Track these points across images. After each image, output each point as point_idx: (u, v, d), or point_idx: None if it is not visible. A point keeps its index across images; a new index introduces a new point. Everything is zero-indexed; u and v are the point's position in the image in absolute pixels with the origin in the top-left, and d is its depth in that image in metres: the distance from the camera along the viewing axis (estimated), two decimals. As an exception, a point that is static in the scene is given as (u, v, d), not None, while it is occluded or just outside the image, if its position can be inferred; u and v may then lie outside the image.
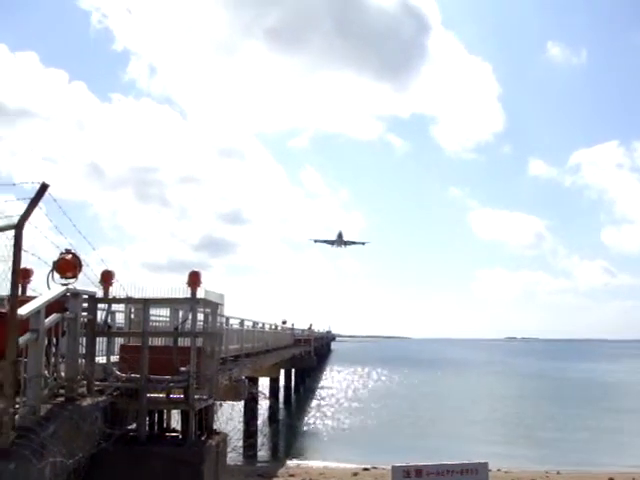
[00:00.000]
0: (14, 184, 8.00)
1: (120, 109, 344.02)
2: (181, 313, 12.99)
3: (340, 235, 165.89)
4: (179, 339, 12.00)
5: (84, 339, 10.45)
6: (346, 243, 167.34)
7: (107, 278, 11.94)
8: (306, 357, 58.13)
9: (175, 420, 12.60)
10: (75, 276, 10.21)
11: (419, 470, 13.08)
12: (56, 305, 9.43)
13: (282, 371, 49.89)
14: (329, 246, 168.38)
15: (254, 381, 29.53)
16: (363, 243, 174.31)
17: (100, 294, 11.56)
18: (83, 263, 10.48)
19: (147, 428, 11.57)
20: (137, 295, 11.85)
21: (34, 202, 7.77)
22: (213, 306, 12.58)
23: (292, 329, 56.75)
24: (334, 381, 79.11)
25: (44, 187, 7.76)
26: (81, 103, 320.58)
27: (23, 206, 7.95)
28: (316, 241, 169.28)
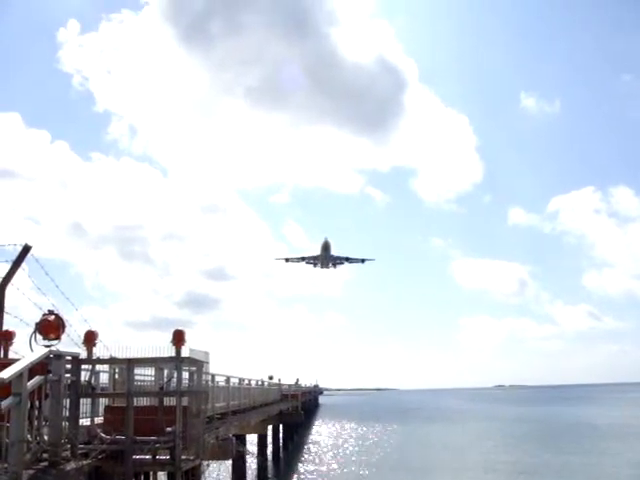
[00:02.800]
0: (-4, 247, 7.99)
1: (101, 168, 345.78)
2: (166, 372, 12.86)
3: (326, 247, 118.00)
4: (164, 398, 11.86)
5: (68, 401, 10.29)
6: (336, 261, 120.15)
7: (90, 338, 11.83)
8: (294, 412, 57.43)
9: (162, 482, 12.37)
10: (58, 337, 10.12)
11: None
12: (39, 367, 9.31)
13: (270, 427, 49.19)
14: (309, 266, 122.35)
15: (242, 439, 29.07)
16: (362, 260, 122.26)
17: (84, 355, 11.43)
18: (66, 323, 10.39)
19: (133, 491, 11.32)
20: (121, 355, 11.73)
21: (16, 264, 7.76)
22: (198, 364, 12.47)
23: (279, 384, 56.16)
24: (323, 436, 77.96)
25: (26, 249, 7.76)
26: (63, 163, 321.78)
27: (5, 267, 7.93)
28: (288, 260, 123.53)
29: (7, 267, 8.02)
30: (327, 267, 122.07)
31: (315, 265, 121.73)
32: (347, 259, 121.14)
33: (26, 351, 9.84)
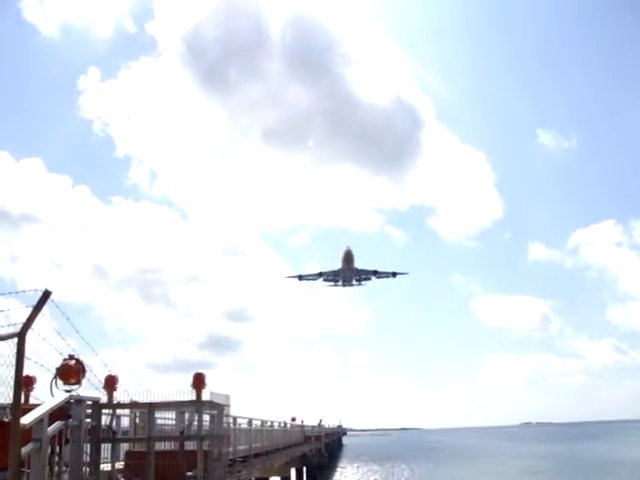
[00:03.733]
0: (17, 292, 8.07)
1: (121, 212, 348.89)
2: (187, 416, 12.79)
3: (349, 258, 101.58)
4: (185, 442, 11.77)
5: (88, 446, 10.24)
6: (360, 275, 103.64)
7: (111, 383, 11.82)
8: (317, 454, 56.69)
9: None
10: (79, 382, 10.11)
11: None
12: (59, 412, 9.30)
13: (293, 470, 48.50)
14: (330, 286, 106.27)
15: (264, 482, 28.68)
16: (394, 274, 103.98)
17: (104, 399, 11.41)
18: (87, 368, 10.39)
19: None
20: (142, 398, 11.69)
21: (37, 309, 7.80)
22: (219, 408, 12.40)
23: (302, 426, 55.55)
24: (347, 478, 76.76)
25: (47, 294, 7.80)
26: (85, 207, 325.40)
27: (26, 312, 7.97)
28: (302, 278, 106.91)
29: (28, 312, 8.06)
30: (350, 284, 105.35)
31: (336, 282, 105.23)
32: (375, 273, 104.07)
33: (47, 396, 9.84)
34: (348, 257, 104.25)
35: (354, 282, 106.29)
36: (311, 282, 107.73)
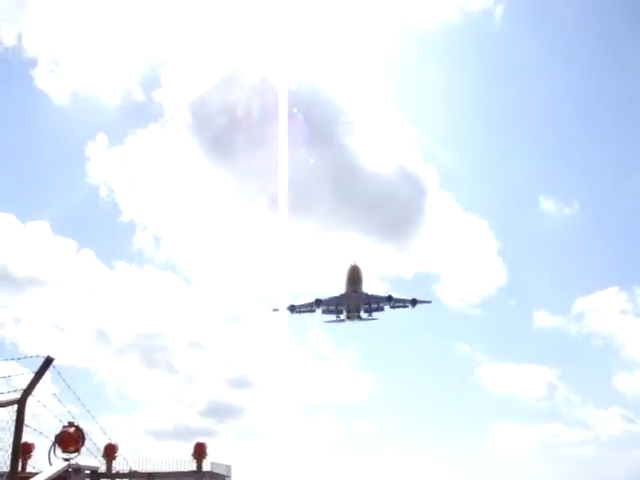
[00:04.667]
0: (19, 358, 8.02)
1: (125, 276, 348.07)
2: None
3: (354, 277, 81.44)
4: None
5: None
6: (371, 303, 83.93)
7: (110, 452, 11.66)
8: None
9: None
10: (77, 450, 9.98)
11: None
12: (57, 482, 9.11)
13: None
14: (331, 322, 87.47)
15: None
16: (413, 302, 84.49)
17: (103, 468, 11.21)
18: (86, 435, 10.24)
19: None
20: (142, 466, 11.51)
21: (38, 376, 7.73)
22: (220, 479, 12.16)
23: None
24: None
25: (49, 361, 7.75)
26: (89, 271, 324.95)
27: (27, 377, 7.90)
28: (294, 309, 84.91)
29: (29, 378, 7.99)
30: (357, 316, 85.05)
31: (338, 315, 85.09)
32: (389, 299, 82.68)
33: (45, 464, 9.68)
34: (354, 276, 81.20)
35: (362, 314, 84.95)
36: (306, 314, 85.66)
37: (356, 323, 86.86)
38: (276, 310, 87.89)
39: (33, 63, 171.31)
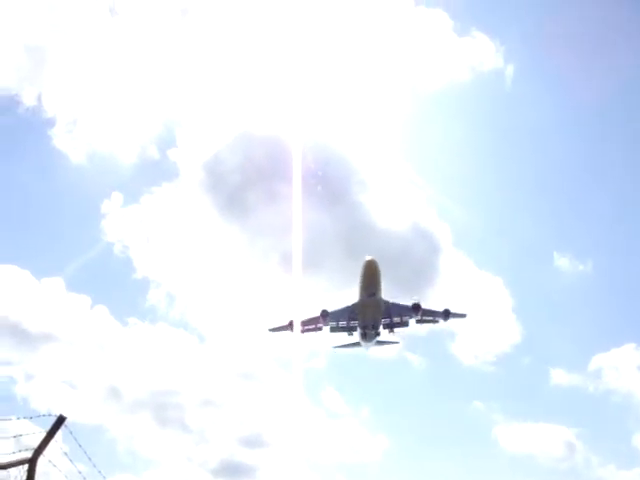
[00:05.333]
0: (31, 417, 8.07)
1: (138, 333, 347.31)
2: None
3: (373, 279, 67.80)
4: None
5: None
6: (392, 316, 70.09)
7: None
8: None
9: None
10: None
11: None
12: None
13: None
14: (341, 347, 76.98)
15: None
16: (446, 314, 71.53)
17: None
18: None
19: None
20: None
21: (50, 435, 7.77)
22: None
23: None
24: None
25: (61, 420, 7.80)
26: (102, 327, 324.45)
27: (39, 436, 7.93)
28: (290, 326, 73.03)
29: (41, 437, 8.03)
30: (376, 333, 70.93)
31: (350, 333, 71.60)
32: (416, 309, 68.28)
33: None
34: (371, 275, 66.69)
35: (381, 329, 70.84)
36: (310, 333, 72.91)
37: (373, 350, 75.68)
38: (274, 330, 73.97)
39: (52, 123, 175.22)
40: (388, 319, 71.89)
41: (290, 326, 73.72)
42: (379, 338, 75.78)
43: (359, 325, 72.34)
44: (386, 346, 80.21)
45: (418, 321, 72.37)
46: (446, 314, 72.07)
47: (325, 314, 71.32)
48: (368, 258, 68.27)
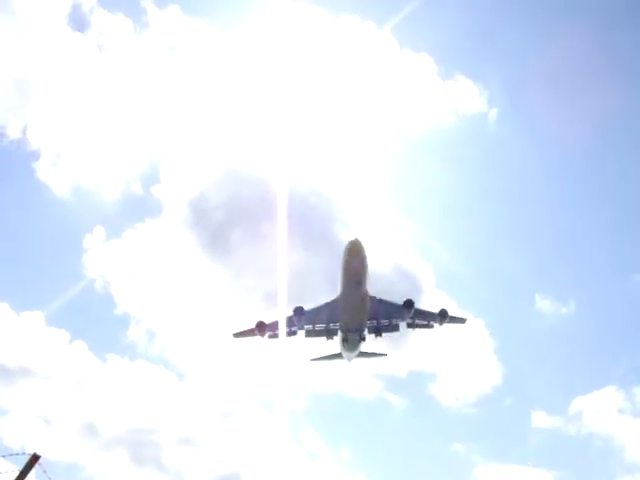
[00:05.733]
0: (4, 455, 7.95)
1: (116, 369, 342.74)
2: None
3: (356, 265, 58.68)
4: None
5: None
6: (379, 317, 61.73)
7: None
8: None
9: None
10: None
11: None
12: None
13: None
14: (321, 358, 70.10)
15: None
16: (442, 316, 62.74)
17: None
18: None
19: None
20: None
21: (23, 474, 7.63)
22: None
23: None
24: None
25: (35, 459, 7.67)
26: (80, 363, 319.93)
27: (12, 475, 7.81)
28: (263, 331, 63.77)
29: (14, 475, 7.91)
30: (359, 338, 60.52)
31: (331, 337, 61.30)
32: (408, 306, 59.31)
33: None
34: (355, 259, 55.48)
35: (365, 334, 60.82)
36: (287, 345, 62.89)
37: (354, 357, 64.12)
38: (239, 335, 63.39)
39: (36, 156, 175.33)
40: (375, 321, 61.16)
41: (259, 329, 61.82)
42: (363, 348, 64.82)
43: (340, 328, 60.55)
44: (372, 359, 72.71)
45: (410, 325, 62.25)
46: (442, 316, 61.05)
47: (300, 312, 59.51)
48: (353, 239, 56.01)
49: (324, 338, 63.54)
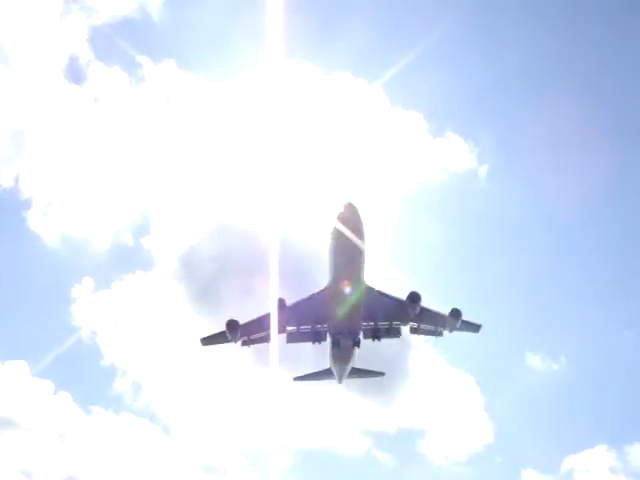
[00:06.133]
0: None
1: (101, 422, 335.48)
2: None
3: (349, 240, 46.29)
4: None
5: None
6: (378, 320, 51.82)
7: None
8: None
9: None
10: None
11: None
12: None
13: None
14: (305, 377, 63.05)
15: None
16: (455, 315, 49.68)
17: None
18: None
19: None
20: None
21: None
22: None
23: None
24: None
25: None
26: (64, 415, 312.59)
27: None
28: (235, 334, 51.20)
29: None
30: (354, 343, 51.57)
31: (318, 340, 51.64)
32: (413, 301, 48.56)
33: None
34: (351, 231, 44.55)
35: (361, 337, 50.94)
36: (258, 348, 52.83)
37: (350, 384, 55.27)
38: (208, 342, 52.10)
39: (28, 205, 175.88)
40: (371, 322, 49.89)
41: (230, 330, 49.60)
42: (355, 363, 54.68)
43: (330, 330, 49.77)
44: (367, 379, 63.98)
45: (414, 330, 51.50)
46: (454, 317, 48.87)
47: (282, 304, 48.04)
48: (346, 203, 44.43)
49: (310, 343, 51.92)
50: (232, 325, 50.40)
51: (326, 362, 57.66)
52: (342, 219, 45.04)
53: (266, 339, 50.96)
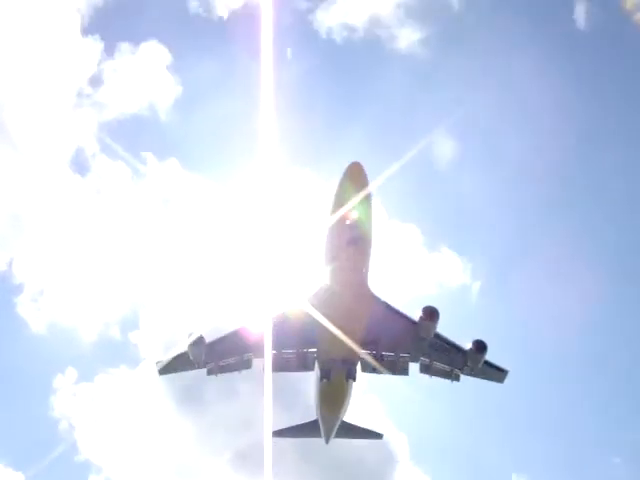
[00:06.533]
0: None
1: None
2: None
3: (353, 229, 33.28)
4: None
5: None
6: (382, 349, 37.32)
7: None
8: None
9: None
10: None
11: None
12: None
13: None
14: (287, 435, 46.75)
15: None
16: (479, 348, 35.59)
17: None
18: None
19: None
20: None
21: None
22: None
23: None
24: None
25: None
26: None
27: None
28: (200, 351, 37.73)
29: None
30: (349, 374, 38.53)
31: (303, 368, 39.38)
32: (429, 317, 35.30)
33: None
34: (354, 208, 32.89)
35: (358, 368, 39.25)
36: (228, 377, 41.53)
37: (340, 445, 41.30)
38: (167, 369, 40.16)
39: (19, 290, 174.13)
40: (373, 349, 37.54)
41: (194, 349, 37.60)
42: (348, 419, 43.58)
43: (318, 357, 38.25)
44: (361, 441, 50.51)
45: (425, 368, 38.23)
46: (478, 349, 36.77)
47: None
48: (351, 163, 32.28)
49: (294, 368, 39.47)
50: (198, 343, 37.20)
51: (312, 412, 44.36)
52: (350, 176, 32.39)
53: (237, 366, 39.23)
